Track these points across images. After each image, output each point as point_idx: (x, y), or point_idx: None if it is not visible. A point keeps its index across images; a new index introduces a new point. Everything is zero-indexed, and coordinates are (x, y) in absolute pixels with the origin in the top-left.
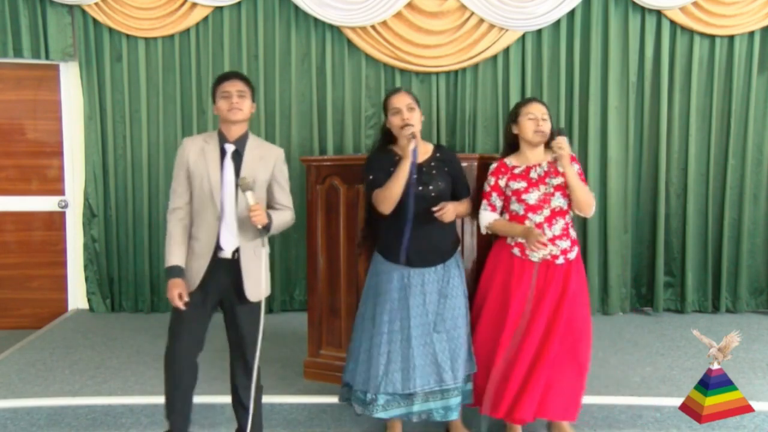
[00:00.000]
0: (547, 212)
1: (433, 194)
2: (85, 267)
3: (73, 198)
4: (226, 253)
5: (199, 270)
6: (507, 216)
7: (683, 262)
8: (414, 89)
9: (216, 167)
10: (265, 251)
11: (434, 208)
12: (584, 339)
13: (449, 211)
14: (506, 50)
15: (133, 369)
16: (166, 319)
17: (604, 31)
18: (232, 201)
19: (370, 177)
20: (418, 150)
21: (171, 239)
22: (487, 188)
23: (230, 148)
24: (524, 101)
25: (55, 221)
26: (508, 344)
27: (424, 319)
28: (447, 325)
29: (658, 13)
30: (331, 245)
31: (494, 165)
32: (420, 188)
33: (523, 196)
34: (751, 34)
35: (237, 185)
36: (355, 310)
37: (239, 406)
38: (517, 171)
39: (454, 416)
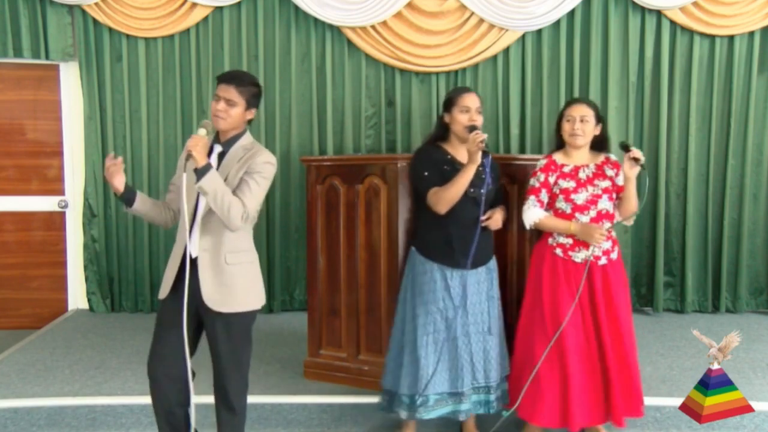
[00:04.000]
0: (593, 213)
1: (483, 197)
2: (85, 267)
3: (73, 198)
4: (193, 256)
5: (171, 274)
6: (551, 213)
7: (683, 262)
8: (414, 89)
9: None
10: (243, 258)
11: (482, 217)
12: (632, 339)
13: (497, 220)
14: (506, 50)
15: (133, 369)
16: None
17: (604, 31)
18: (203, 204)
19: (425, 173)
20: (479, 158)
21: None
22: (536, 184)
23: (217, 148)
24: (568, 102)
25: (55, 221)
26: (576, 352)
27: (473, 318)
28: (491, 325)
29: (658, 13)
30: (331, 245)
31: (543, 161)
32: (472, 190)
33: (572, 196)
34: (751, 34)
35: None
36: (355, 310)
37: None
38: (566, 170)
39: (487, 411)
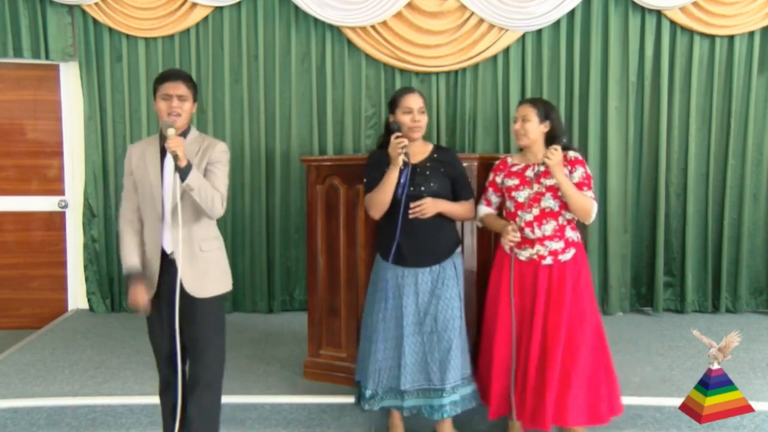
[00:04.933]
0: (536, 211)
1: (424, 195)
2: (85, 267)
3: (73, 198)
4: (169, 252)
5: (152, 276)
6: (504, 212)
7: (683, 262)
8: None
9: (155, 168)
10: (215, 243)
11: (412, 204)
12: (585, 343)
13: (427, 205)
14: (506, 50)
15: (133, 369)
16: None
17: (604, 31)
18: (169, 201)
19: (365, 179)
20: (410, 156)
21: (125, 242)
22: (486, 183)
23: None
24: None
25: (55, 221)
26: (505, 347)
27: (416, 318)
28: (438, 326)
29: (658, 13)
30: (331, 245)
31: (497, 162)
32: (412, 189)
33: (513, 194)
34: (751, 34)
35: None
36: (355, 310)
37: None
38: (514, 169)
39: (439, 416)
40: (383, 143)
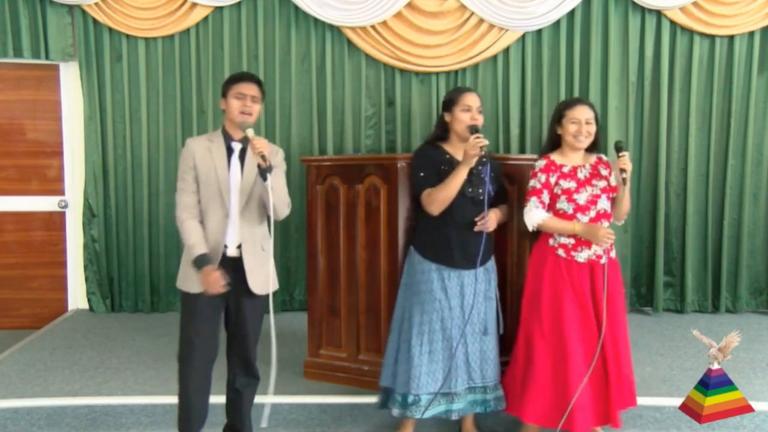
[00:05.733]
0: (593, 213)
1: (481, 197)
2: (85, 267)
3: (73, 198)
4: (231, 250)
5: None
6: (552, 214)
7: (683, 262)
8: (414, 89)
9: (223, 164)
10: (270, 243)
11: (476, 219)
12: (626, 337)
13: (492, 220)
14: (506, 50)
15: (133, 369)
16: (167, 319)
17: (604, 31)
18: (238, 198)
19: (421, 174)
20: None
21: (193, 231)
22: (537, 185)
23: (237, 146)
24: (569, 102)
25: (55, 221)
26: (579, 353)
27: (462, 320)
28: (488, 326)
29: (658, 13)
30: (331, 245)
31: (542, 162)
32: (470, 190)
33: (575, 196)
34: (751, 34)
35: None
36: (355, 310)
37: (235, 404)
38: (565, 170)
39: (482, 410)
40: (431, 141)
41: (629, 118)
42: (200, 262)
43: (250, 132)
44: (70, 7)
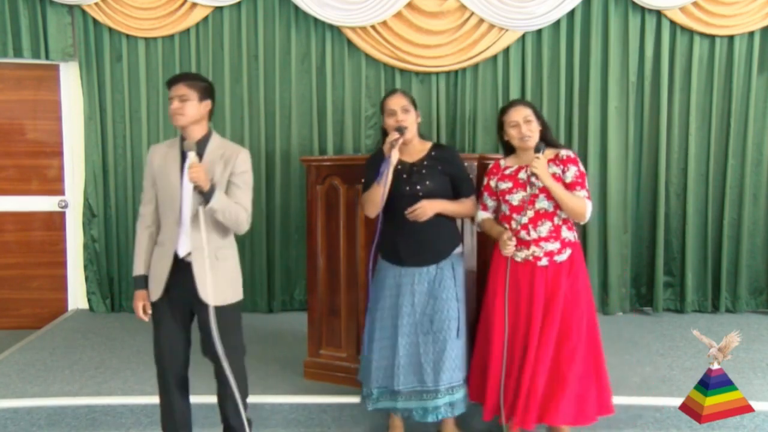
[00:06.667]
0: (531, 213)
1: (421, 194)
2: (85, 267)
3: (73, 198)
4: (182, 256)
5: (161, 275)
6: (499, 216)
7: (683, 262)
8: (414, 89)
9: (176, 171)
10: (231, 253)
11: (409, 209)
12: (581, 343)
13: (424, 208)
14: (506, 50)
15: (133, 369)
16: None
17: (604, 31)
18: (189, 206)
19: (363, 180)
20: (406, 150)
21: (137, 247)
22: (482, 188)
23: (191, 155)
24: (503, 108)
25: (55, 221)
26: (500, 349)
27: (412, 318)
28: (434, 327)
29: (658, 13)
30: (331, 245)
31: (490, 165)
32: (407, 188)
33: (507, 197)
34: (751, 34)
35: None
36: (355, 310)
37: (222, 411)
38: (507, 172)
39: (434, 418)
40: (380, 147)
41: (629, 118)
42: (136, 283)
43: (191, 155)
44: (70, 7)
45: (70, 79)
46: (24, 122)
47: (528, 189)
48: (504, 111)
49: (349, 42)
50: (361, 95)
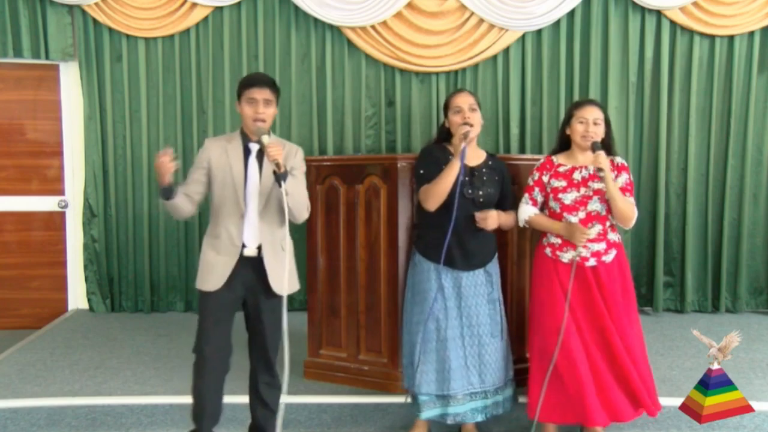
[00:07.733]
0: (582, 214)
1: (481, 199)
2: (85, 267)
3: (73, 198)
4: (250, 250)
5: (225, 268)
6: (547, 212)
7: (683, 262)
8: (414, 89)
9: (239, 164)
10: (289, 243)
11: (477, 214)
12: (631, 340)
13: (492, 219)
14: (506, 50)
15: (133, 369)
16: (167, 319)
17: (604, 31)
18: (256, 199)
19: (421, 171)
20: (467, 153)
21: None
22: (530, 182)
23: (254, 147)
24: (578, 103)
25: (55, 221)
26: (579, 358)
27: (459, 321)
28: (481, 329)
29: (658, 13)
30: (331, 245)
31: (541, 160)
32: (470, 191)
33: (560, 195)
34: (751, 34)
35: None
36: (355, 310)
37: (258, 403)
38: (561, 170)
39: (482, 417)
40: (435, 141)
41: (629, 118)
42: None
43: (265, 138)
44: (70, 7)
45: (70, 79)
46: (24, 122)
47: (582, 189)
48: (578, 105)
49: (349, 42)
50: (361, 95)
